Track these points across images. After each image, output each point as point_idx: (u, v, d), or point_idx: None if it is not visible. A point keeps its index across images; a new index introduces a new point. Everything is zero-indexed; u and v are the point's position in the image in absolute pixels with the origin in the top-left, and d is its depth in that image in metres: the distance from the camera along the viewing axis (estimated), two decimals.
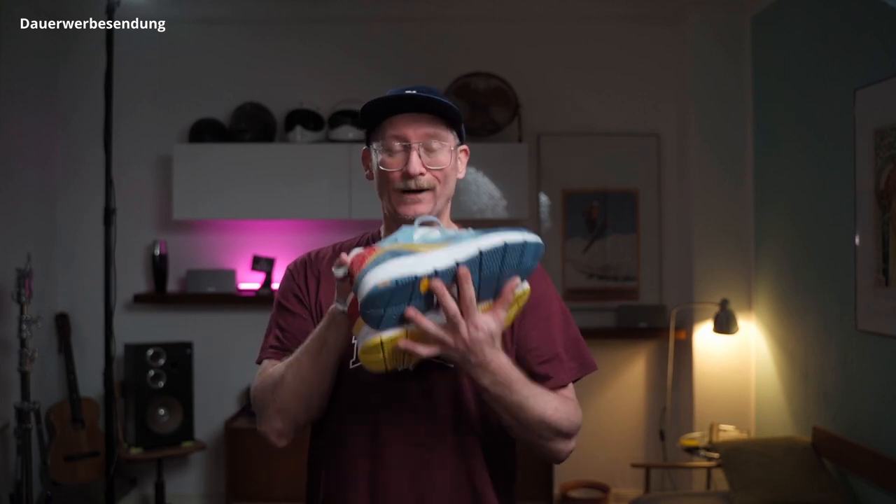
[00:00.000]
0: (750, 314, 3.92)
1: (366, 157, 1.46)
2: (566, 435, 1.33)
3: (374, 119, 1.40)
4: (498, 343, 1.20)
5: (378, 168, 1.39)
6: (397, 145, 1.36)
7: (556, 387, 1.38)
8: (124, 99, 3.81)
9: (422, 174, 1.35)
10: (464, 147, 1.46)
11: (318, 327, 1.28)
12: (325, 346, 1.27)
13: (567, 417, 1.33)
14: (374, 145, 1.40)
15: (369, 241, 1.48)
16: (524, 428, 1.28)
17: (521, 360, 1.37)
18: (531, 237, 1.18)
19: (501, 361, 1.21)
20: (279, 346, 1.41)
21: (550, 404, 1.30)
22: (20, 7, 3.70)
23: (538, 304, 1.39)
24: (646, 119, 4.24)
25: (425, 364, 1.30)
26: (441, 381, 1.35)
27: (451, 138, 1.40)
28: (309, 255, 1.51)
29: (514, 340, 1.39)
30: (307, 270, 1.47)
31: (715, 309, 3.83)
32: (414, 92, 1.36)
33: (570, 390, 1.41)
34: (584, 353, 1.45)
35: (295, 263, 1.51)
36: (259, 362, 1.47)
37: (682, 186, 4.14)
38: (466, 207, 3.91)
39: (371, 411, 1.35)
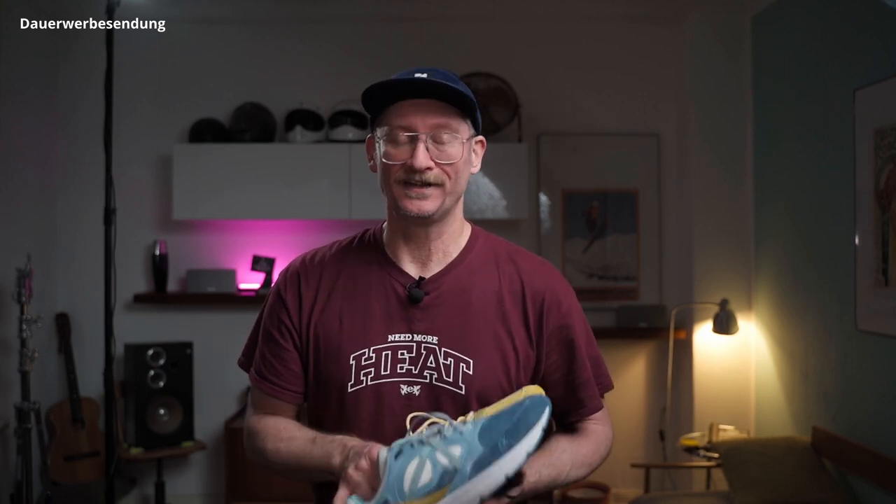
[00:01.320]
0: (750, 314, 3.91)
1: (370, 147, 1.32)
2: (604, 459, 1.37)
3: (379, 103, 1.26)
4: None
5: (381, 160, 1.26)
6: (403, 135, 1.23)
7: (591, 412, 1.35)
8: (124, 99, 3.81)
9: (429, 168, 1.22)
10: (480, 138, 1.32)
11: (325, 450, 1.18)
12: (318, 473, 1.22)
13: (599, 451, 1.33)
14: (379, 132, 1.27)
15: (370, 239, 1.38)
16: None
17: (554, 385, 1.33)
18: (528, 442, 1.04)
19: (538, 485, 1.17)
20: (263, 377, 1.34)
21: (588, 460, 1.30)
22: (20, 7, 3.70)
23: (564, 327, 1.33)
24: (646, 119, 4.24)
25: (435, 386, 1.26)
26: (450, 403, 1.25)
27: (464, 129, 1.26)
28: (303, 261, 1.37)
29: (544, 365, 1.32)
30: (300, 283, 1.34)
31: (715, 309, 3.83)
32: (424, 75, 1.22)
33: (602, 411, 1.37)
34: (602, 373, 1.39)
35: (286, 277, 1.36)
36: (241, 365, 1.43)
37: (682, 186, 4.14)
38: (466, 207, 3.82)
39: (376, 433, 1.24)
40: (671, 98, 4.21)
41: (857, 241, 2.98)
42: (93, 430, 3.85)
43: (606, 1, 4.13)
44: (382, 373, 1.26)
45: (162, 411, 3.87)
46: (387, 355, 1.26)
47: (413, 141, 1.22)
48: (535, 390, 1.12)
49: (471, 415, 1.12)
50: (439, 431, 1.05)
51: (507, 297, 1.31)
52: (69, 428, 3.78)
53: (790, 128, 3.58)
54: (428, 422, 1.11)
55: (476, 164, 1.33)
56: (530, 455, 1.03)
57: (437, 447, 1.02)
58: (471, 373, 1.25)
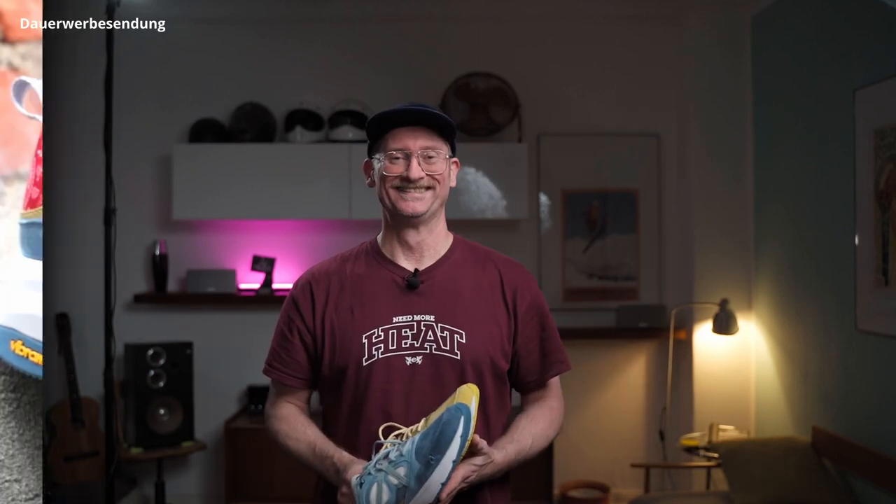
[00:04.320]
0: (750, 314, 3.91)
1: (367, 168, 1.62)
2: (558, 431, 1.64)
3: (377, 132, 1.57)
4: (485, 469, 1.42)
5: (381, 174, 1.56)
6: (399, 154, 1.54)
7: (560, 370, 1.64)
8: (124, 99, 3.79)
9: (421, 178, 1.53)
10: (455, 159, 1.64)
11: (323, 465, 1.47)
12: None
13: (554, 425, 1.61)
14: (377, 156, 1.57)
15: (368, 247, 1.64)
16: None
17: (531, 352, 1.61)
18: (450, 453, 1.32)
19: (507, 458, 1.47)
20: (281, 368, 1.61)
21: (545, 433, 1.57)
22: None
23: (535, 305, 1.63)
24: (646, 119, 4.24)
25: (435, 355, 1.52)
26: (449, 368, 1.51)
27: (445, 149, 1.58)
28: (313, 274, 1.63)
29: (517, 345, 1.60)
30: (312, 289, 1.60)
31: (715, 309, 3.83)
32: (416, 108, 1.55)
33: (557, 388, 1.66)
34: (564, 354, 1.67)
35: (299, 286, 1.63)
36: (266, 372, 1.65)
37: (682, 186, 4.14)
38: (466, 207, 3.91)
39: (386, 398, 1.50)
40: (671, 98, 4.21)
41: (857, 241, 2.99)
42: (93, 430, 3.84)
43: (606, 1, 4.13)
44: (390, 347, 1.52)
45: (162, 411, 3.86)
46: (393, 333, 1.53)
47: (407, 158, 1.54)
48: (461, 396, 1.36)
49: (422, 423, 1.40)
50: (387, 456, 1.35)
51: (488, 285, 1.61)
52: (69, 428, 3.78)
53: (790, 128, 3.58)
54: (394, 433, 1.43)
55: (453, 179, 1.63)
56: (456, 462, 1.32)
57: (388, 471, 1.32)
58: (464, 342, 1.53)
